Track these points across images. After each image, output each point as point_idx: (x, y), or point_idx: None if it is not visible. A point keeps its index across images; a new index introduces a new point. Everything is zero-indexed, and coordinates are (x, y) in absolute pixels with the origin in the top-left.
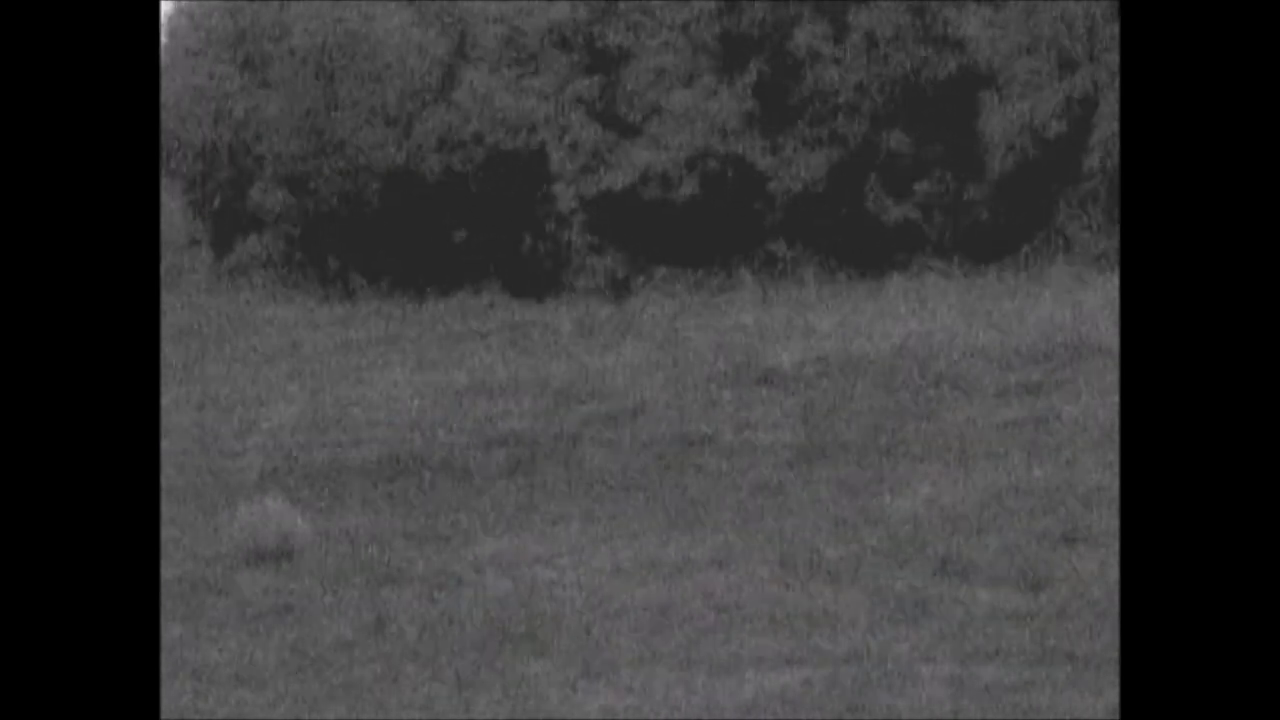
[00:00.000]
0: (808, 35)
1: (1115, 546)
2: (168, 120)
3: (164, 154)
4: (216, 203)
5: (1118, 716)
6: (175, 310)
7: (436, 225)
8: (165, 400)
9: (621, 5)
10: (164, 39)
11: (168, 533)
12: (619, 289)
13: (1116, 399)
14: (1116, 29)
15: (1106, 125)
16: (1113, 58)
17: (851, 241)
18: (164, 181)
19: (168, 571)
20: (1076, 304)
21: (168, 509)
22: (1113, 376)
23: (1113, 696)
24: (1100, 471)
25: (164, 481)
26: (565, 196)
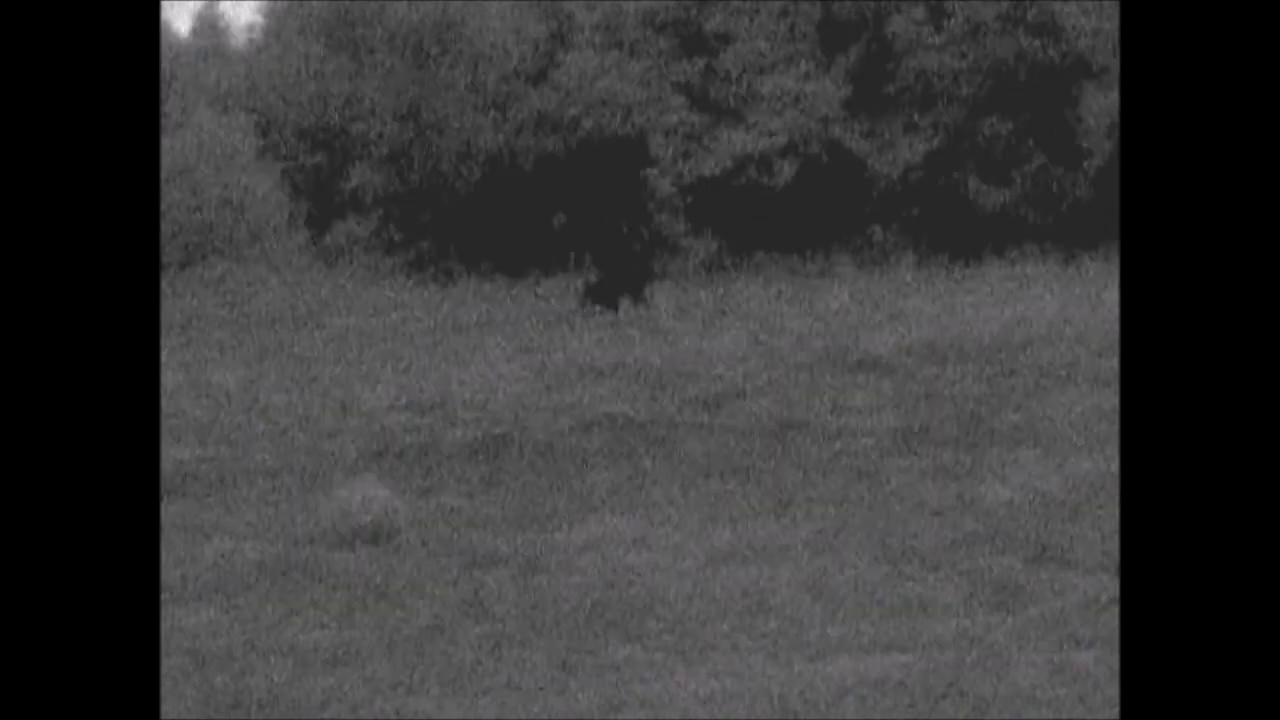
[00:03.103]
0: (906, 21)
1: None
2: (266, 102)
3: (262, 135)
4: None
5: None
6: (272, 291)
7: (534, 208)
8: (263, 381)
9: None
10: (263, 21)
11: (265, 512)
12: (717, 273)
13: None
14: None
15: None
16: None
17: (949, 227)
18: (262, 163)
19: (264, 551)
20: None
21: (265, 489)
22: None
23: None
24: None
25: (261, 462)
26: (663, 181)
